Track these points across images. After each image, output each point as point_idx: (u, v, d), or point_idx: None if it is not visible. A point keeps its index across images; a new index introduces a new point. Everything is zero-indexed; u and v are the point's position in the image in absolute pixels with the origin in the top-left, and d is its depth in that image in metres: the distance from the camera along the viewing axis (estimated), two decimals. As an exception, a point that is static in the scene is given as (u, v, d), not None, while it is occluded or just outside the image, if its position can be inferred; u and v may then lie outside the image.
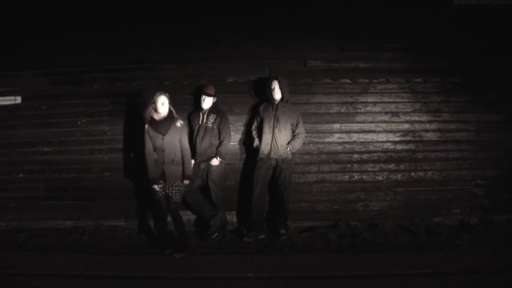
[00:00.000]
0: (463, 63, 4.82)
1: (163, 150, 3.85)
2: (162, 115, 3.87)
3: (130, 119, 4.81)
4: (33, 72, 4.97)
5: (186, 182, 3.93)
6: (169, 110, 3.92)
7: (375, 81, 4.83)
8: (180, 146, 3.95)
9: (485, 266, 3.41)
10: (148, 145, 3.88)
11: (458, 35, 4.80)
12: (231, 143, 4.71)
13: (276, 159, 4.40)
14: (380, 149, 4.82)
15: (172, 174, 3.88)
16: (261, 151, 4.44)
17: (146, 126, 3.88)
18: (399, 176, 4.82)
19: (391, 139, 4.83)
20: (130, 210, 4.84)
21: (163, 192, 3.93)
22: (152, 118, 3.87)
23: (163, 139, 3.84)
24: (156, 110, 3.86)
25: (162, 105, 3.84)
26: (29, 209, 4.95)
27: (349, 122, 4.83)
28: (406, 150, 4.83)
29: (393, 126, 4.83)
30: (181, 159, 3.93)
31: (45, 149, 4.97)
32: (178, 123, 3.92)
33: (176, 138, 3.91)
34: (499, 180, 4.78)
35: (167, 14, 4.86)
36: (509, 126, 4.80)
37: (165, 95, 3.88)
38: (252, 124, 4.66)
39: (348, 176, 4.83)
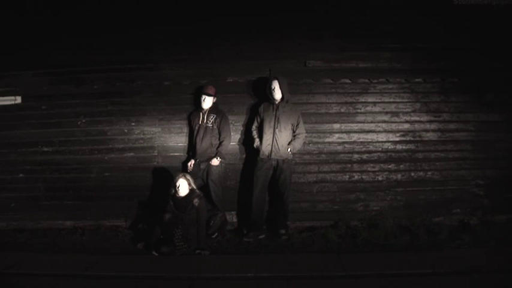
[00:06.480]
0: (463, 63, 4.81)
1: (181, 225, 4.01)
2: (181, 195, 4.03)
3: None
4: (33, 72, 4.97)
5: (197, 252, 3.97)
6: (190, 190, 4.07)
7: (375, 81, 4.83)
8: (196, 224, 4.01)
9: (485, 266, 3.40)
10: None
11: (458, 35, 4.79)
12: (231, 143, 4.71)
13: (277, 159, 4.39)
14: (380, 149, 4.82)
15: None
16: (261, 151, 4.43)
17: (170, 202, 4.08)
18: (399, 176, 4.82)
19: (391, 139, 4.83)
20: (130, 210, 4.85)
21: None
22: (174, 195, 4.06)
23: (182, 217, 4.01)
24: (175, 191, 4.04)
25: (179, 187, 4.01)
26: (29, 209, 4.96)
27: (349, 122, 4.83)
28: (406, 150, 4.83)
29: (393, 126, 4.83)
30: (195, 236, 4.00)
31: (45, 149, 4.97)
32: (195, 202, 4.01)
33: (193, 216, 4.01)
34: (499, 180, 4.77)
35: (167, 14, 4.85)
36: (509, 126, 4.80)
37: (184, 178, 4.04)
38: (252, 124, 4.65)
39: (348, 176, 4.83)
